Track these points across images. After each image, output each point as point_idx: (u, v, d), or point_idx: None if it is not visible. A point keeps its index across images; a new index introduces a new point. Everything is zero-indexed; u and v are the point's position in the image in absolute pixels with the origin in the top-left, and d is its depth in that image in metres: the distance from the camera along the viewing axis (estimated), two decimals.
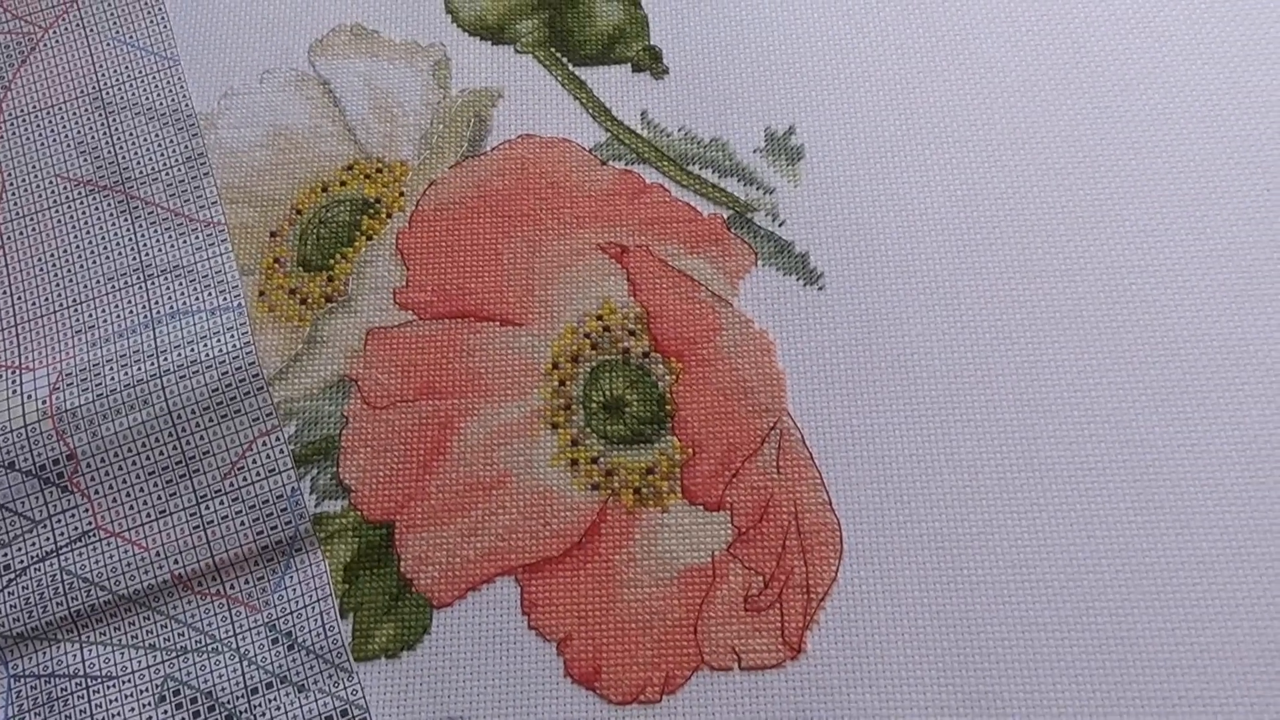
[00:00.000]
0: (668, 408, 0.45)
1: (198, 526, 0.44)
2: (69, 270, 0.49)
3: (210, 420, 0.45)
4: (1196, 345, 0.45)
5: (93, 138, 0.51)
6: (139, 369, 0.46)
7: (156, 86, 0.52)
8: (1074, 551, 0.42)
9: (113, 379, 0.46)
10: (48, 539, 0.44)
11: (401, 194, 0.49)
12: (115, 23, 0.54)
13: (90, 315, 0.48)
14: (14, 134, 0.51)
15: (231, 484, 0.44)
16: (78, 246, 0.49)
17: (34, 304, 0.48)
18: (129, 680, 0.42)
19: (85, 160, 0.51)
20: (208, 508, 0.44)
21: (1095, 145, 0.48)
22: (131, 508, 0.44)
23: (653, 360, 0.46)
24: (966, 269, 0.46)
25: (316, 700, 0.42)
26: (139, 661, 0.42)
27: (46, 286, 0.48)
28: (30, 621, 0.43)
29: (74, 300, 0.48)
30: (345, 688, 0.42)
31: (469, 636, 0.43)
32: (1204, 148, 0.48)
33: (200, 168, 0.50)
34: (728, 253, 0.48)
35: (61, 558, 0.44)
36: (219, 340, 0.46)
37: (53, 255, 0.49)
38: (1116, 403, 0.44)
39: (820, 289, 0.47)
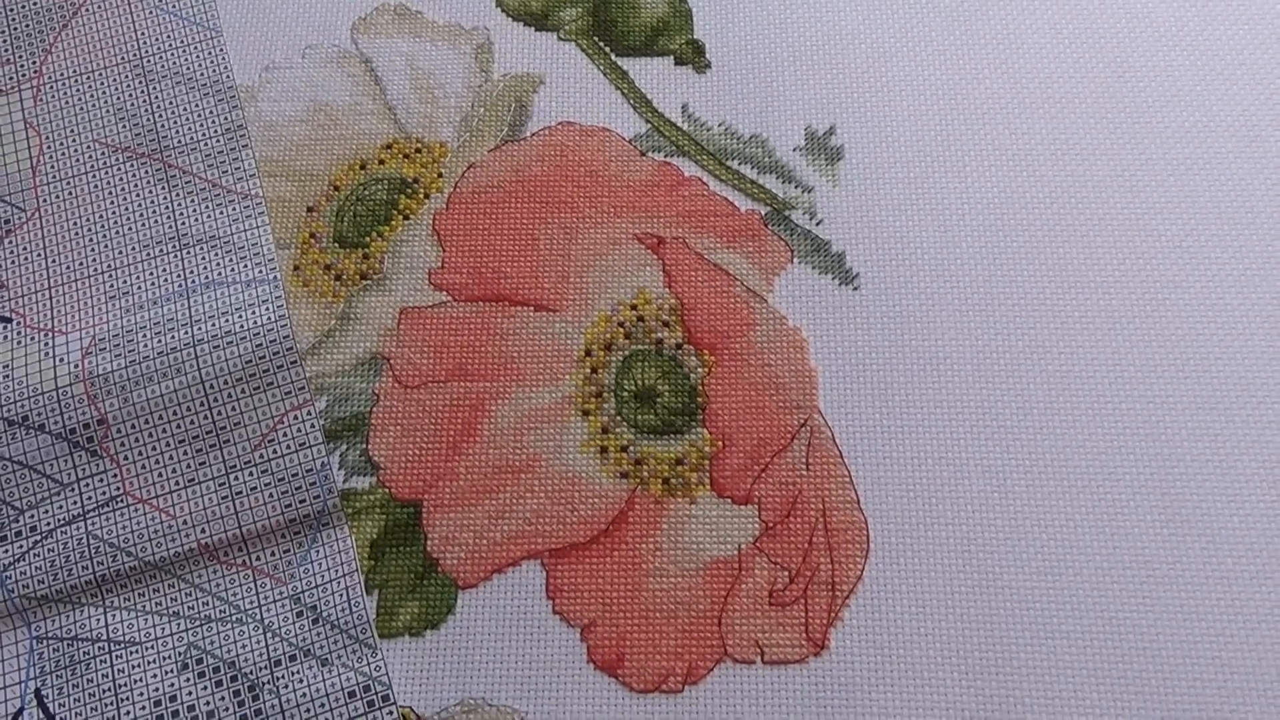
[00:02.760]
0: (699, 400, 0.45)
1: (226, 497, 0.44)
2: (104, 236, 0.49)
3: (242, 392, 0.45)
4: (1227, 362, 0.45)
5: (132, 105, 0.51)
6: (172, 337, 0.46)
7: (198, 56, 0.52)
8: (1099, 561, 0.42)
9: (146, 346, 0.46)
10: (75, 502, 0.44)
11: (440, 175, 0.49)
12: None
13: (125, 282, 0.48)
14: (54, 98, 0.51)
15: (261, 456, 0.44)
16: (114, 212, 0.49)
17: (68, 268, 0.48)
18: (152, 647, 0.42)
19: (124, 127, 0.51)
20: (237, 479, 0.44)
21: (1133, 159, 0.48)
22: (160, 475, 0.44)
23: (685, 352, 0.46)
24: (1001, 276, 0.47)
25: (339, 674, 0.42)
26: (163, 629, 0.42)
27: (81, 251, 0.48)
28: (55, 584, 0.43)
29: (109, 266, 0.48)
30: (368, 663, 0.42)
31: (493, 618, 0.43)
32: (1241, 166, 0.48)
33: (239, 140, 0.50)
34: (764, 249, 0.48)
35: (88, 522, 0.44)
36: (253, 312, 0.46)
37: (88, 220, 0.49)
38: (1146, 415, 0.44)
39: (855, 289, 0.47)
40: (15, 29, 0.53)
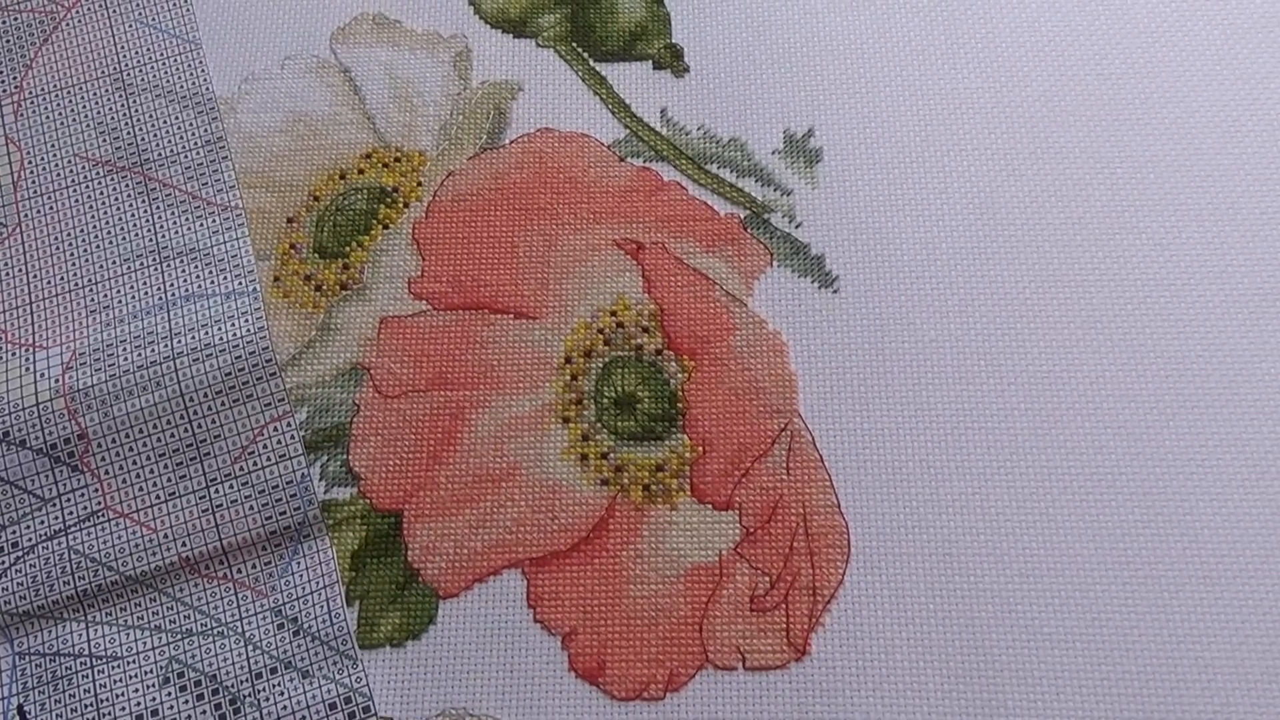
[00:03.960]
0: (679, 406, 0.45)
1: (207, 510, 0.44)
2: (85, 250, 0.49)
3: (222, 404, 0.45)
4: (1208, 359, 0.45)
5: (112, 118, 0.51)
6: (152, 351, 0.46)
7: (177, 69, 0.52)
8: (1080, 562, 0.42)
9: (126, 360, 0.46)
10: (56, 518, 0.44)
11: (419, 184, 0.49)
12: (137, 4, 0.54)
13: (105, 296, 0.48)
14: (34, 112, 0.51)
15: (241, 468, 0.45)
16: (94, 226, 0.49)
17: (49, 282, 0.48)
18: (134, 661, 0.42)
19: (104, 141, 0.51)
20: (217, 491, 0.44)
21: (1113, 157, 0.48)
22: (141, 489, 0.44)
23: (665, 358, 0.46)
24: (981, 276, 0.47)
25: (320, 686, 0.42)
26: (144, 643, 0.43)
27: (62, 265, 0.48)
28: (37, 600, 0.43)
29: (89, 280, 0.48)
30: (349, 674, 0.42)
31: (474, 628, 0.43)
32: (1221, 163, 0.48)
33: (219, 151, 0.50)
34: (743, 252, 0.48)
35: (70, 537, 0.44)
36: (233, 324, 0.46)
37: (69, 234, 0.49)
38: (1127, 414, 0.44)
39: (835, 292, 0.47)
40: None
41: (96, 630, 0.43)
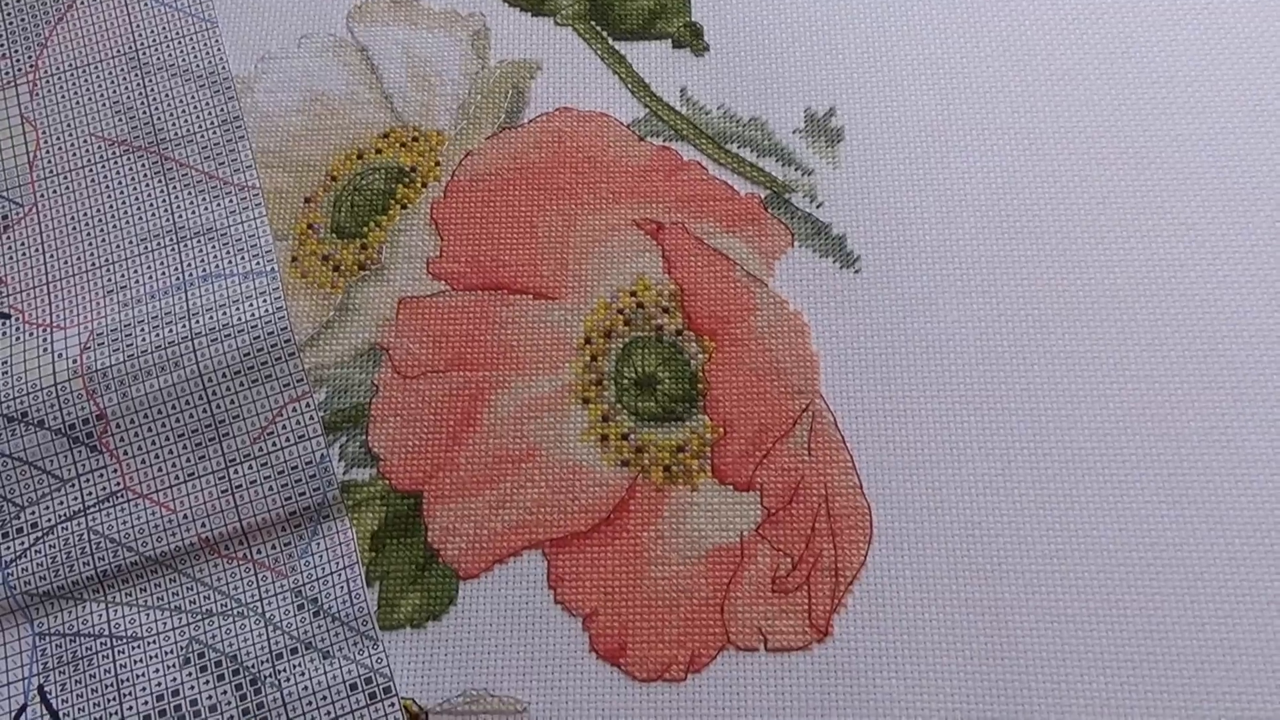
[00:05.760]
0: (699, 386, 0.45)
1: (226, 490, 0.44)
2: (102, 230, 0.48)
3: (241, 384, 0.45)
4: (1234, 340, 0.44)
5: (128, 98, 0.51)
6: (170, 331, 0.46)
7: (193, 48, 0.52)
8: (1105, 543, 0.42)
9: (144, 340, 0.46)
10: (75, 498, 0.44)
11: (437, 163, 0.49)
12: None
13: (122, 276, 0.47)
14: (50, 92, 0.51)
15: (261, 449, 0.44)
16: (111, 206, 0.49)
17: (66, 263, 0.48)
18: (154, 641, 0.42)
19: (120, 120, 0.50)
20: (236, 472, 0.44)
21: (1138, 136, 0.48)
22: (160, 469, 0.44)
23: (686, 338, 0.46)
24: (1004, 256, 0.46)
25: (341, 667, 0.42)
26: (164, 623, 0.42)
27: (79, 246, 0.48)
28: (57, 580, 0.43)
29: (106, 260, 0.48)
30: (370, 655, 0.42)
31: (494, 609, 0.43)
32: (1248, 142, 0.47)
33: (236, 131, 0.50)
34: (764, 233, 0.47)
35: (89, 517, 0.43)
36: (251, 304, 0.46)
37: (86, 214, 0.49)
38: (1152, 395, 0.44)
39: (857, 272, 0.46)
40: (11, 23, 0.52)
41: (116, 611, 0.43)
